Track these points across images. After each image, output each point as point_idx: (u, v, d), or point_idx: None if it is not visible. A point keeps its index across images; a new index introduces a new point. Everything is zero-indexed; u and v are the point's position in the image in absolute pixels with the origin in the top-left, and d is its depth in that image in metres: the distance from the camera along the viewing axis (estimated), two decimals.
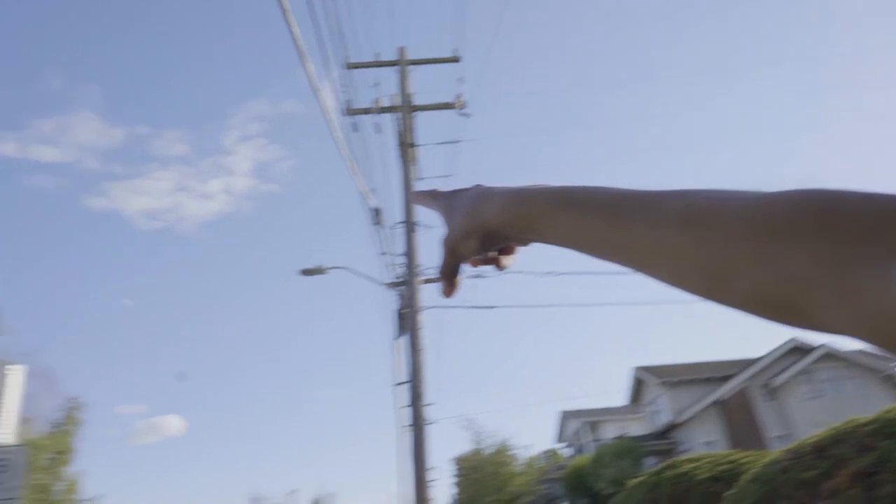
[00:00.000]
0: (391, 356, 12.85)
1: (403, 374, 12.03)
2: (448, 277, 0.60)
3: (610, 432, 31.65)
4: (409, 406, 11.80)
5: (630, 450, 19.20)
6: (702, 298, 0.38)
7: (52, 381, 20.83)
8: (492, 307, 12.77)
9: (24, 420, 20.26)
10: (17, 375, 4.66)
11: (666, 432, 23.98)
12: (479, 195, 0.56)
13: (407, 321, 11.99)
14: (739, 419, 20.41)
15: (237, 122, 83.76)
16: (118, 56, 77.30)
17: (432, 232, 13.11)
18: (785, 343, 23.04)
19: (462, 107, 11.91)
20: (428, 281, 12.66)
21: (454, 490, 45.59)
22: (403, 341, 12.34)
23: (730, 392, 22.28)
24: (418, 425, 11.51)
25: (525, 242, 0.56)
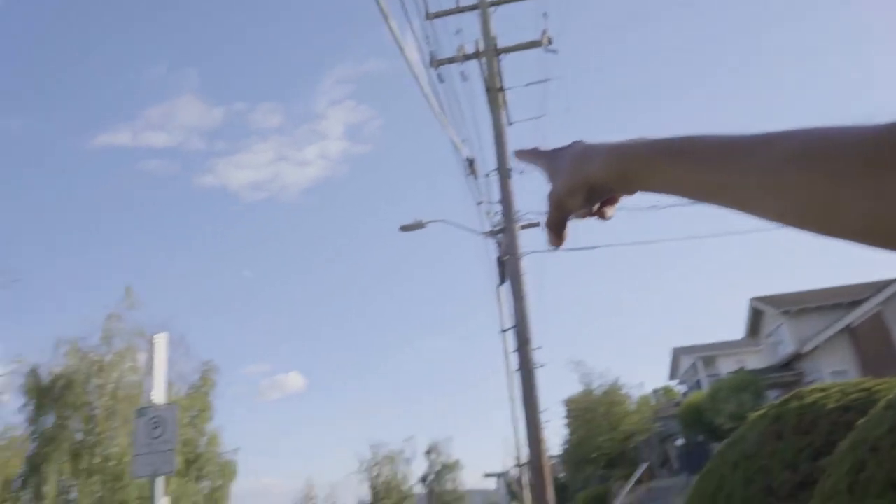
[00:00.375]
0: (495, 304, 13.00)
1: (508, 321, 12.16)
2: (555, 231, 0.63)
3: (726, 367, 30.62)
4: (516, 351, 11.95)
5: (749, 383, 18.52)
6: (814, 233, 0.40)
7: (186, 347, 22.83)
8: (594, 247, 12.51)
9: (168, 383, 22.49)
10: (161, 342, 5.17)
11: (789, 364, 22.89)
12: (581, 153, 0.57)
13: (508, 268, 12.02)
14: (873, 346, 19.06)
15: (325, 87, 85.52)
16: (208, 38, 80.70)
17: (527, 177, 12.94)
18: None
19: (548, 43, 11.49)
20: (526, 226, 12.56)
21: (566, 431, 46.15)
22: (506, 288, 12.42)
23: (861, 317, 20.80)
24: (527, 369, 11.66)
25: (629, 193, 0.57)
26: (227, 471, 23.87)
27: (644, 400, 40.53)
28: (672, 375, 41.14)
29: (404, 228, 12.79)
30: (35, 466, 19.11)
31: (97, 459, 19.57)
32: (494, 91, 11.74)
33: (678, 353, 37.76)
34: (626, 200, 0.62)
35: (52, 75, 65.56)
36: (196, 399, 21.95)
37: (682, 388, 39.18)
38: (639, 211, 12.34)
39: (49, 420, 19.99)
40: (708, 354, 34.25)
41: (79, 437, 19.94)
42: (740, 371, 23.31)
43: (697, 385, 32.86)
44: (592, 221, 0.66)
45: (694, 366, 34.94)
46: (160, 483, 5.25)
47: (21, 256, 46.76)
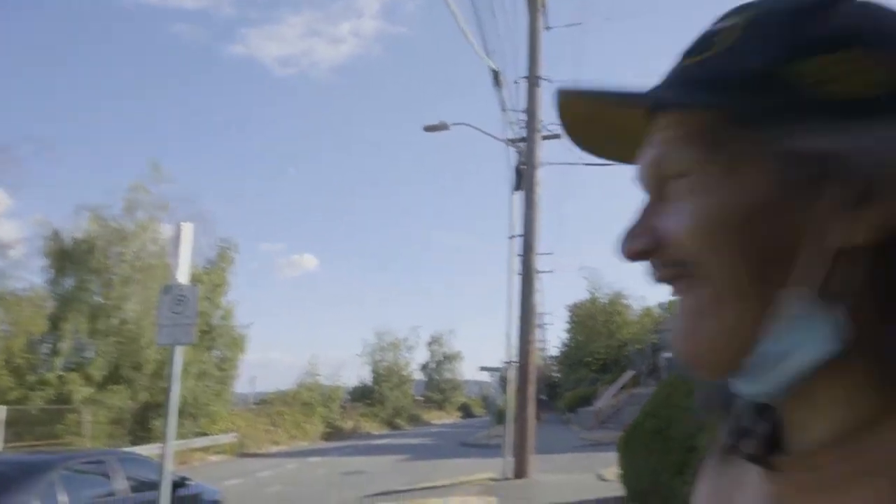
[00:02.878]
0: (508, 209, 13.20)
1: (518, 228, 12.42)
2: None
3: None
4: (520, 256, 12.32)
5: None
6: None
7: (206, 222, 23.41)
8: (607, 164, 12.44)
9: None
10: (188, 230, 5.49)
11: None
12: None
13: (524, 177, 12.13)
14: None
15: None
16: None
17: (555, 87, 12.70)
18: None
19: None
20: (548, 137, 12.51)
21: (566, 335, 47.82)
22: (519, 196, 12.58)
23: None
24: (528, 275, 12.06)
25: None
26: (238, 343, 25.24)
27: (647, 312, 41.64)
28: None
29: (428, 129, 12.77)
30: (55, 324, 20.26)
31: (114, 321, 20.71)
32: None
33: None
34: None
35: None
36: (213, 274, 22.81)
37: None
38: None
39: (69, 282, 20.95)
40: None
41: (97, 300, 20.99)
42: None
43: None
44: None
45: None
46: (179, 351, 5.76)
47: (54, 123, 46.85)
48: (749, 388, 0.43)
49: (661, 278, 0.44)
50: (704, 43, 0.45)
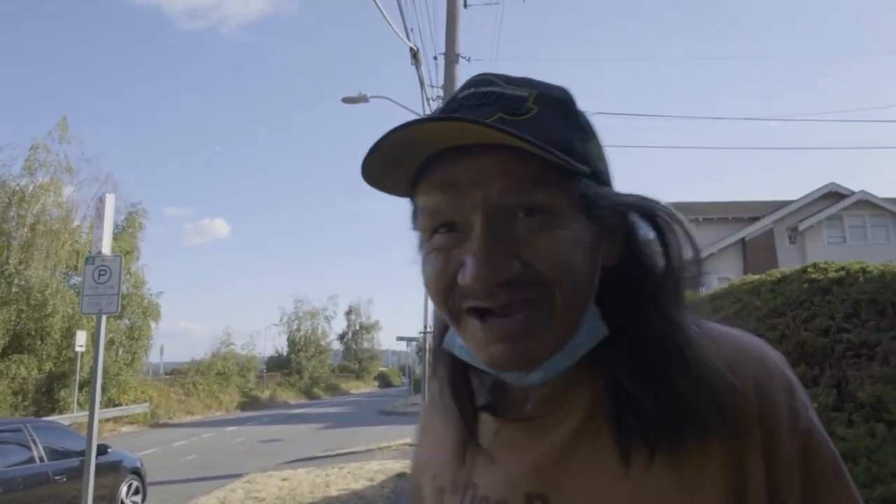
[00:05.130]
0: None
1: None
2: None
3: None
4: None
5: None
6: None
7: (113, 185, 22.38)
8: None
9: (90, 222, 22.24)
10: (111, 201, 5.56)
11: None
12: None
13: None
14: (759, 259, 21.17)
15: None
16: None
17: (475, 64, 13.06)
18: (822, 187, 23.03)
19: None
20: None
21: None
22: None
23: (755, 232, 22.82)
24: None
25: None
26: (150, 312, 24.51)
27: None
28: None
29: (347, 100, 12.85)
30: None
31: (14, 289, 19.66)
32: None
33: None
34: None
35: None
36: (122, 240, 21.97)
37: None
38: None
39: None
40: None
41: None
42: None
43: None
44: None
45: None
46: (102, 319, 5.84)
47: None
48: (541, 375, 0.55)
49: (503, 302, 0.51)
50: (518, 105, 0.53)
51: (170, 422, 23.48)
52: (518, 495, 0.57)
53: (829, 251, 19.86)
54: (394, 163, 0.53)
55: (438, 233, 0.54)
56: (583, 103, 0.58)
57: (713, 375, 0.52)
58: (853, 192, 22.67)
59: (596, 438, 0.55)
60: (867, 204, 22.50)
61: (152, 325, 24.55)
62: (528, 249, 0.51)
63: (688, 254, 0.58)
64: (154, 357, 30.68)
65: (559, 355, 0.54)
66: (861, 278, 4.56)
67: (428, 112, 14.01)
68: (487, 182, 0.51)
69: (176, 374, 31.84)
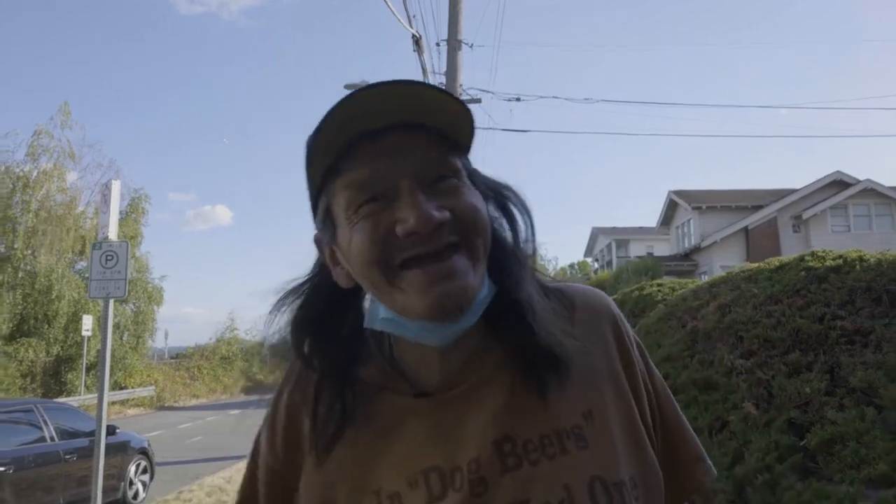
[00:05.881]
0: None
1: None
2: None
3: (637, 251, 32.97)
4: None
5: (650, 268, 20.42)
6: None
7: (116, 170, 22.47)
8: (526, 131, 13.04)
9: (95, 208, 22.35)
10: (117, 188, 5.63)
11: (688, 255, 25.04)
12: None
13: None
14: (763, 248, 21.18)
15: None
16: None
17: (478, 51, 12.99)
18: (827, 175, 22.93)
19: None
20: (468, 101, 12.87)
21: None
22: None
23: (759, 220, 22.78)
24: None
25: None
26: (154, 296, 24.69)
27: (561, 272, 43.40)
28: (588, 252, 43.88)
29: (349, 88, 12.87)
30: None
31: (20, 274, 19.82)
32: None
33: (596, 233, 40.04)
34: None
35: None
36: (125, 225, 22.07)
37: (595, 266, 42.07)
38: (574, 102, 12.93)
39: None
40: (622, 237, 36.56)
41: (0, 250, 19.96)
42: (646, 256, 25.41)
43: (609, 264, 35.35)
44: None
45: (609, 246, 37.29)
46: (110, 304, 5.93)
47: None
48: (468, 321, 0.62)
49: (439, 245, 0.59)
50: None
51: (175, 405, 23.74)
52: (486, 446, 0.63)
53: (833, 240, 19.82)
54: (326, 146, 0.61)
55: (363, 205, 0.61)
56: (585, 89, 0.67)
57: (551, 324, 0.68)
58: (859, 181, 22.58)
59: (514, 385, 0.67)
60: (872, 192, 22.42)
61: (156, 309, 24.74)
62: (450, 202, 0.60)
63: (528, 232, 0.71)
64: (158, 342, 30.95)
65: (475, 304, 0.61)
66: (858, 266, 4.62)
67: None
68: (411, 153, 0.61)
69: (180, 358, 32.11)
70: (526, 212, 0.71)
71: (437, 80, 13.28)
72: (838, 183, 22.80)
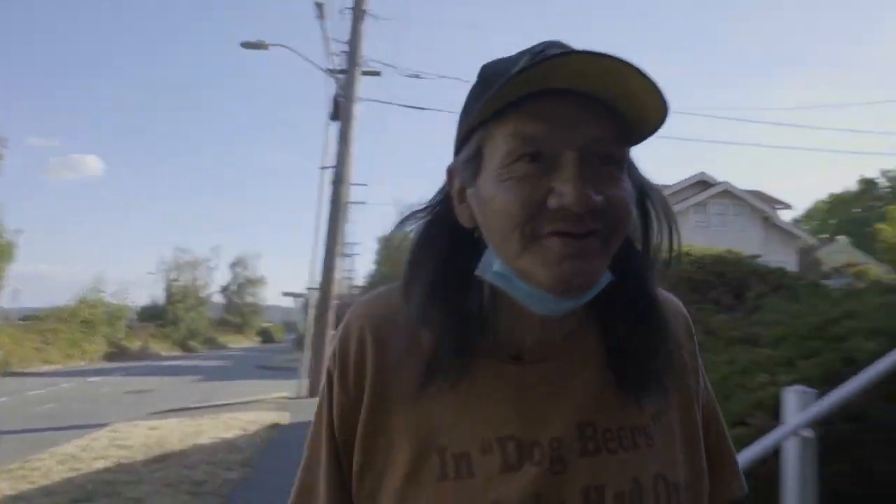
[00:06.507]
0: (323, 138, 13.30)
1: (331, 159, 12.64)
2: None
3: None
4: (331, 187, 12.63)
5: None
6: None
7: None
8: (423, 108, 13.18)
9: None
10: None
11: None
12: None
13: (341, 109, 12.29)
14: None
15: None
16: None
17: (383, 23, 12.81)
18: (693, 175, 25.01)
19: None
20: (368, 73, 12.70)
21: (375, 266, 49.13)
22: (335, 127, 12.73)
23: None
24: (337, 206, 12.43)
25: None
26: (5, 252, 22.43)
27: None
28: None
29: (246, 45, 12.27)
30: None
31: None
32: None
33: None
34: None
35: None
36: None
37: None
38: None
39: None
40: None
41: None
42: None
43: None
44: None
45: None
46: None
47: None
48: (570, 304, 0.62)
49: (585, 228, 0.58)
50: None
51: (24, 371, 21.76)
52: (571, 427, 0.65)
53: (694, 234, 21.66)
54: (521, 83, 0.57)
55: (520, 160, 0.59)
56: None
57: (671, 332, 0.70)
58: (718, 183, 24.80)
59: (603, 373, 0.68)
60: (729, 194, 24.71)
61: (5, 266, 22.46)
62: (607, 189, 0.59)
63: (665, 239, 0.70)
64: (5, 301, 28.08)
65: (596, 287, 0.62)
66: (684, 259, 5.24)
67: (330, 67, 13.63)
68: (586, 125, 0.58)
69: (32, 320, 29.42)
70: (667, 219, 0.70)
71: (339, 48, 12.98)
72: (702, 183, 24.91)
